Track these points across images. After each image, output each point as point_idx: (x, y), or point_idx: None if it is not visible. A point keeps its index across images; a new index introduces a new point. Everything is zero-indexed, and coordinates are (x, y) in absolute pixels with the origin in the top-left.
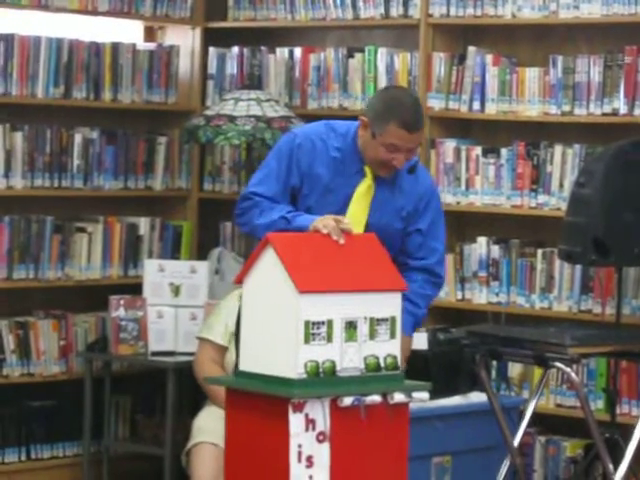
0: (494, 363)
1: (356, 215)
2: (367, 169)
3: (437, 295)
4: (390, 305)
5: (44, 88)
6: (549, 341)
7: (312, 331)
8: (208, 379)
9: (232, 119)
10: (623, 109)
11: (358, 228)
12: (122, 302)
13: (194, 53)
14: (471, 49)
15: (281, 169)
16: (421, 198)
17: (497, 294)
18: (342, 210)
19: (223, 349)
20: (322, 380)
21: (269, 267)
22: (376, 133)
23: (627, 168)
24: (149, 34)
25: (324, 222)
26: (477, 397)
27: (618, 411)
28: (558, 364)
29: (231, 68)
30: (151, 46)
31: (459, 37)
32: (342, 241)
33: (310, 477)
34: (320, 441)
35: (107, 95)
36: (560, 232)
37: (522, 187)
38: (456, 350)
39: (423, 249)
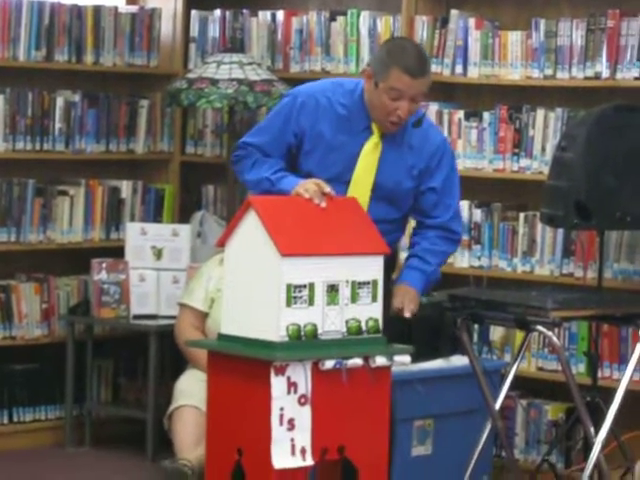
0: (476, 326)
1: (363, 174)
2: (374, 127)
3: (454, 251)
4: (372, 268)
5: (26, 51)
6: (531, 305)
7: (294, 294)
8: (190, 342)
9: (214, 82)
10: (605, 73)
11: (365, 187)
12: (104, 265)
13: (176, 16)
14: (454, 12)
15: (276, 125)
16: (433, 155)
17: (479, 258)
18: (347, 169)
19: (203, 315)
20: (304, 343)
21: (251, 230)
22: (379, 81)
23: (609, 132)
24: None
25: (305, 186)
26: (459, 360)
27: (599, 375)
28: (540, 327)
29: (213, 31)
30: (133, 9)
31: (442, 0)
32: (324, 204)
33: (292, 440)
34: (302, 404)
35: (89, 58)
36: (542, 196)
37: (504, 151)
38: (438, 314)
39: (438, 207)
